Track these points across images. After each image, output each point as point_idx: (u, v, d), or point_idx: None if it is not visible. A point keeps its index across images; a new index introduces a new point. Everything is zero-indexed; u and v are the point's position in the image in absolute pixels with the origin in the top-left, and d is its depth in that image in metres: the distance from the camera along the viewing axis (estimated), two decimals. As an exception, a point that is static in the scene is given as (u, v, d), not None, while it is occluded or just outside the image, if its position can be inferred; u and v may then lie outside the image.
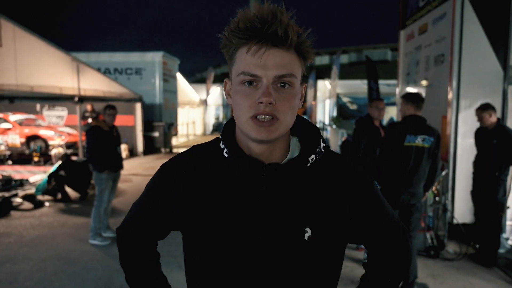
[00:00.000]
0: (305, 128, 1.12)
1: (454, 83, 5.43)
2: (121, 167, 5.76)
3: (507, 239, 5.32)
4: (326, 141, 1.39)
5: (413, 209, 4.05)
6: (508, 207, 5.27)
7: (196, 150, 1.15)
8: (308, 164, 1.05)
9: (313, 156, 1.05)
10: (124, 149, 14.32)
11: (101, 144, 5.41)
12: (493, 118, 4.78)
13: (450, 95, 5.49)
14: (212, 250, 1.05)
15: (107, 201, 5.63)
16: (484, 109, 4.79)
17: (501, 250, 5.06)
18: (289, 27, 0.94)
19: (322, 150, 1.09)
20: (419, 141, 3.99)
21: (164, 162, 1.18)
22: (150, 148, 15.40)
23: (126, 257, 1.28)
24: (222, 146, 1.08)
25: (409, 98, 4.11)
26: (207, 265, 1.06)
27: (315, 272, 1.06)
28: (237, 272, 1.04)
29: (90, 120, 12.97)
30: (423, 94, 6.63)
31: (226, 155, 1.06)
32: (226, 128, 1.12)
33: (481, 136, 4.94)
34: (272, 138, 0.98)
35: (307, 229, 1.02)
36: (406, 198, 4.02)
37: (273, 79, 0.95)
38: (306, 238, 1.02)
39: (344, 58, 68.84)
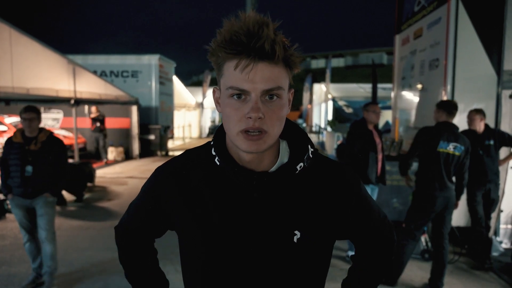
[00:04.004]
0: (294, 133, 1.15)
1: (449, 88, 5.48)
2: (34, 193, 4.01)
3: (500, 242, 5.36)
4: (322, 144, 1.43)
5: (446, 213, 4.17)
6: (501, 211, 5.32)
7: (189, 155, 1.18)
8: (297, 172, 1.08)
9: (301, 164, 1.08)
10: (120, 152, 14.30)
11: (5, 159, 4.10)
12: (482, 123, 4.92)
13: (445, 100, 5.52)
14: (206, 254, 1.09)
15: (26, 237, 4.18)
16: (477, 111, 4.89)
17: (494, 253, 5.10)
18: (276, 43, 0.94)
19: (311, 156, 1.11)
20: (450, 148, 4.09)
21: (159, 166, 1.20)
22: (146, 151, 15.37)
23: (125, 254, 1.33)
24: (213, 153, 1.11)
25: (441, 105, 4.26)
26: (202, 268, 1.11)
27: (305, 271, 1.11)
28: (231, 274, 1.08)
29: (98, 124, 12.65)
30: (418, 98, 6.70)
31: (218, 163, 1.09)
32: (217, 134, 1.14)
33: (470, 139, 4.97)
34: (261, 150, 1.01)
35: (296, 232, 1.07)
36: (441, 203, 4.13)
37: (261, 93, 0.97)
38: (295, 240, 1.07)
39: (340, 62, 69.05)
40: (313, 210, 1.09)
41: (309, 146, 1.12)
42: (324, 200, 1.10)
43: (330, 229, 1.12)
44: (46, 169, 4.07)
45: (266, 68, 0.96)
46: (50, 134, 4.17)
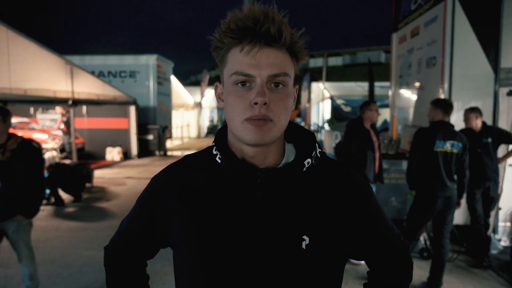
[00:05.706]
0: (300, 134, 1.10)
1: (446, 86, 5.48)
2: (3, 215, 3.32)
3: (499, 240, 5.36)
4: (321, 145, 1.39)
5: (447, 212, 4.17)
6: (500, 209, 5.32)
7: (188, 160, 1.12)
8: (304, 169, 1.01)
9: (309, 160, 1.02)
10: (118, 152, 14.29)
11: None
12: (479, 121, 4.90)
13: (442, 98, 5.53)
14: (207, 262, 1.00)
15: None
16: (472, 110, 4.90)
17: (493, 251, 5.11)
18: (282, 25, 0.92)
19: (318, 155, 1.06)
20: (447, 146, 4.09)
21: (155, 175, 1.14)
22: (145, 151, 15.38)
23: (114, 278, 1.22)
24: (215, 152, 1.05)
25: (438, 103, 4.23)
26: (203, 278, 1.02)
27: (314, 282, 1.01)
28: (234, 283, 1.00)
29: (62, 126, 11.84)
30: (415, 97, 6.70)
31: (219, 161, 1.03)
32: (218, 135, 1.09)
33: (468, 137, 4.98)
34: (266, 140, 0.95)
35: (305, 237, 0.98)
36: (442, 203, 4.12)
37: (267, 78, 0.93)
38: (303, 246, 0.98)
39: (338, 61, 69.05)
40: (322, 214, 1.01)
41: (317, 146, 1.07)
42: (334, 204, 1.02)
43: (340, 236, 1.03)
44: (17, 185, 3.33)
45: (272, 53, 0.93)
46: (22, 141, 3.40)
